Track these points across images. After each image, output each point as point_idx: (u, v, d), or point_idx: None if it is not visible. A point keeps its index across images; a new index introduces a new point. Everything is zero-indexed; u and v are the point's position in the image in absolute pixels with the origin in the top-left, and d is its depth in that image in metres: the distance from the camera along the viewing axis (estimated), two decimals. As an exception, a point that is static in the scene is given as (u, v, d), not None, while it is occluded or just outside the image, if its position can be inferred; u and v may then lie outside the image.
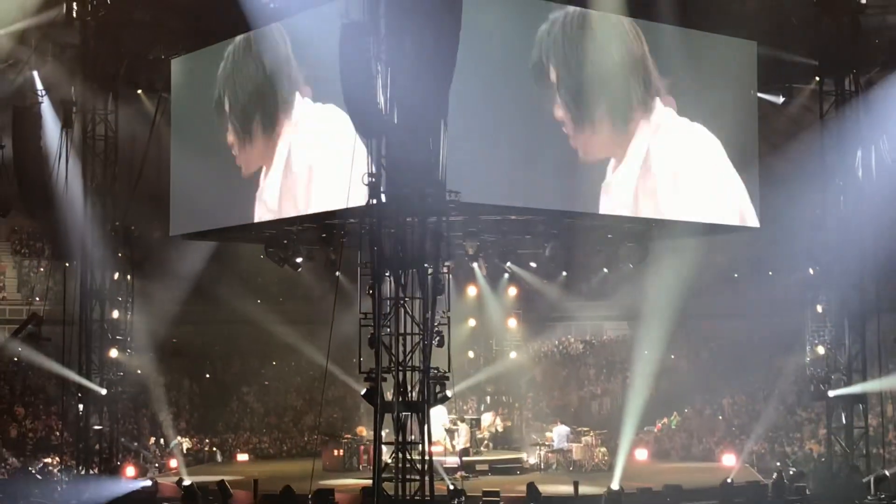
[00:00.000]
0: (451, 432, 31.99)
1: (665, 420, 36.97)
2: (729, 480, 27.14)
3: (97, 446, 29.84)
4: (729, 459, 32.91)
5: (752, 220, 30.26)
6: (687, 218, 29.05)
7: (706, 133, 28.44)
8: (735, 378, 39.30)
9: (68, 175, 29.97)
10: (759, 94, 30.45)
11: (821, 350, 29.39)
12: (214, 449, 36.71)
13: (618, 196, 27.09)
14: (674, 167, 27.94)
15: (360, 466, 31.44)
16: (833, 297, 28.92)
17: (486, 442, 34.88)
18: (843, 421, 28.54)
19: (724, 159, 28.77)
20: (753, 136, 29.93)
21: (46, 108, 30.89)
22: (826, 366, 28.88)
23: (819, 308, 29.25)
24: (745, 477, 29.68)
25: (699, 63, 28.23)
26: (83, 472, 28.97)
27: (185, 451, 32.86)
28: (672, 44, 27.68)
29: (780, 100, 31.21)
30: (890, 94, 28.99)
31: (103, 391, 29.58)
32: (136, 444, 34.37)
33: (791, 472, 28.54)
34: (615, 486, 25.69)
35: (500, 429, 35.90)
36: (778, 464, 30.53)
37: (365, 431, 33.00)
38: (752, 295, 41.30)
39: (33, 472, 30.25)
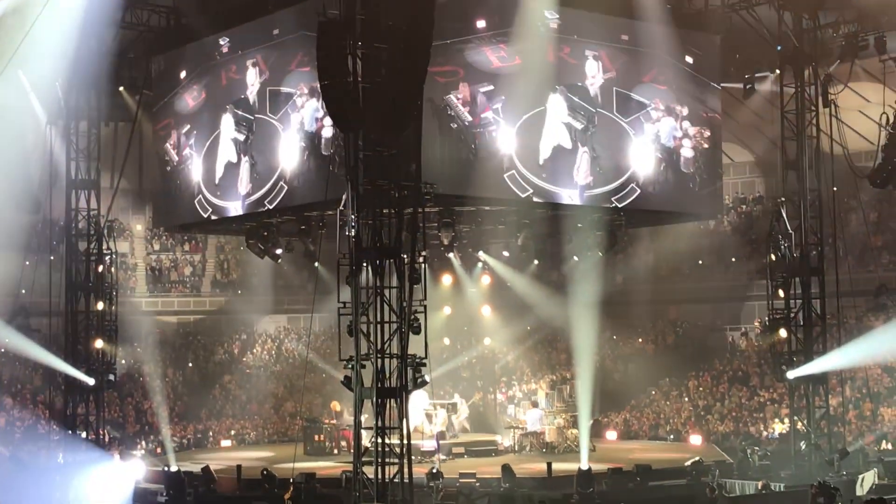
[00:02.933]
0: (430, 417, 32.56)
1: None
2: (696, 460, 27.88)
3: (84, 434, 30.42)
4: (695, 439, 33.79)
5: (716, 209, 31.19)
6: (654, 207, 29.92)
7: (673, 124, 29.37)
8: (700, 360, 40.17)
9: (54, 170, 30.57)
10: (724, 85, 31.38)
11: (783, 333, 30.16)
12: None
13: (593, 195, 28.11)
14: (643, 158, 28.93)
15: (337, 450, 31.89)
16: (794, 282, 29.61)
17: (462, 425, 35.56)
18: (805, 401, 29.41)
19: (691, 151, 29.73)
20: (717, 129, 30.83)
21: (33, 104, 31.32)
22: (787, 348, 29.62)
23: (780, 292, 30.00)
24: (712, 456, 30.48)
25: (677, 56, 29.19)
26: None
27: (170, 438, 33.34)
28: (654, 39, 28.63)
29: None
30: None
31: (91, 381, 30.13)
32: (120, 432, 34.89)
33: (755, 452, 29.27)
34: (584, 466, 26.41)
35: (466, 411, 36.30)
36: (742, 444, 31.30)
37: (338, 407, 33.56)
38: (716, 281, 42.28)
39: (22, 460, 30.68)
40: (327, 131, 26.30)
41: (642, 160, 28.92)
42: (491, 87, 26.69)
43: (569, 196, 27.81)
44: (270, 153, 28.39)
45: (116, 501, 24.97)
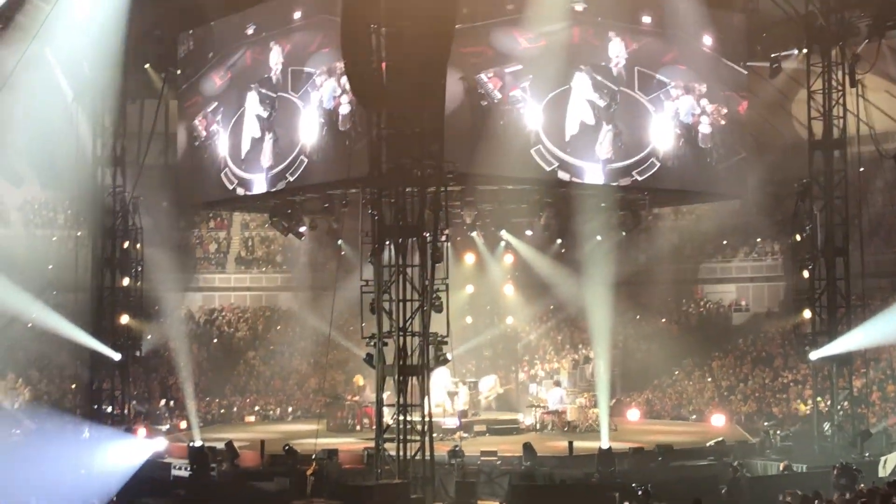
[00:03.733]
0: (452, 395, 32.68)
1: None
2: (718, 440, 27.88)
3: (109, 409, 30.71)
4: (718, 420, 33.78)
5: (742, 189, 31.09)
6: (678, 187, 29.90)
7: (698, 104, 29.35)
8: (724, 341, 40.11)
9: (80, 146, 30.74)
10: (750, 64, 31.26)
11: (807, 314, 30.09)
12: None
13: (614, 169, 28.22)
14: (669, 138, 28.97)
15: (359, 427, 32.06)
16: (819, 263, 29.52)
17: (489, 404, 35.70)
18: (829, 382, 29.36)
19: (714, 130, 29.68)
20: (743, 107, 30.73)
21: (60, 81, 31.48)
22: (812, 329, 29.56)
23: (805, 273, 29.91)
24: (735, 437, 30.49)
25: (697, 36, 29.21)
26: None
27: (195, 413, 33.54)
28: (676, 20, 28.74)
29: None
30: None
31: (117, 356, 30.37)
32: (146, 406, 35.20)
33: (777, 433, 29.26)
34: (605, 445, 26.45)
35: (500, 391, 36.63)
36: (765, 424, 31.29)
37: (361, 381, 33.72)
38: (741, 261, 42.20)
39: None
40: (344, 108, 26.73)
41: (662, 136, 29.15)
42: (519, 67, 27.03)
43: (592, 170, 27.92)
44: (292, 129, 28.86)
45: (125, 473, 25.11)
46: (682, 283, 43.14)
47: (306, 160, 28.20)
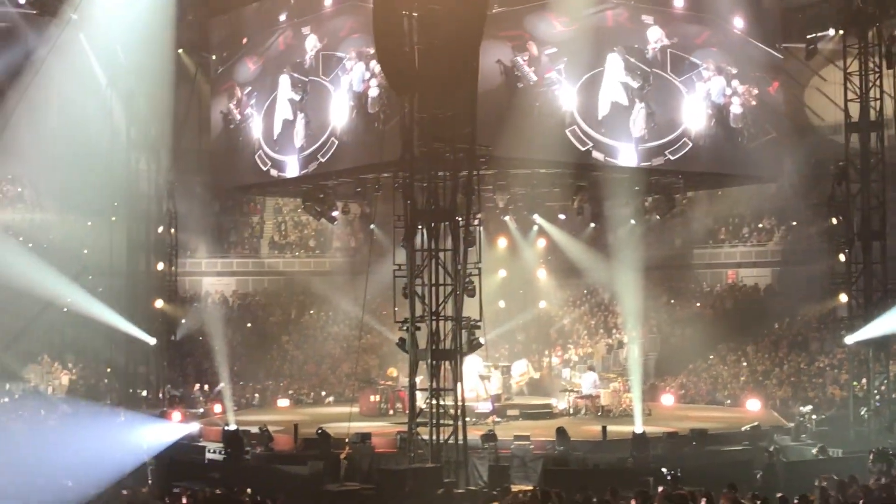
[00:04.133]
0: (484, 379, 32.64)
1: None
2: (754, 425, 27.70)
3: (144, 393, 30.93)
4: (753, 404, 33.58)
5: (777, 172, 30.87)
6: (715, 170, 29.74)
7: (735, 87, 29.20)
8: (759, 325, 39.85)
9: (114, 131, 30.95)
10: (786, 46, 31.02)
11: (843, 298, 29.83)
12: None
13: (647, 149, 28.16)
14: (704, 121, 28.87)
15: (392, 411, 32.11)
16: (855, 246, 29.27)
17: (521, 388, 35.63)
18: (865, 367, 29.13)
19: (751, 112, 29.50)
20: (778, 91, 30.51)
21: (94, 66, 31.69)
22: (848, 313, 29.32)
23: (841, 256, 29.66)
24: (770, 421, 30.30)
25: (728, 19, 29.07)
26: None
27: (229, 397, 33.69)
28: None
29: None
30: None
31: (153, 341, 30.59)
32: (180, 390, 35.40)
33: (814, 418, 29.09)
34: (638, 429, 26.34)
35: (535, 376, 36.59)
36: (801, 410, 31.09)
37: (395, 372, 33.77)
38: (777, 244, 41.89)
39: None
40: (373, 91, 27.30)
41: (694, 116, 29.33)
42: (554, 50, 27.30)
43: (625, 150, 27.89)
44: (322, 111, 29.32)
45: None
46: (716, 266, 42.88)
47: (337, 142, 28.50)
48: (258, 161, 31.37)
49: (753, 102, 29.85)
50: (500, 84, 26.37)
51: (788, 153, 32.22)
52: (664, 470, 21.05)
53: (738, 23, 29.79)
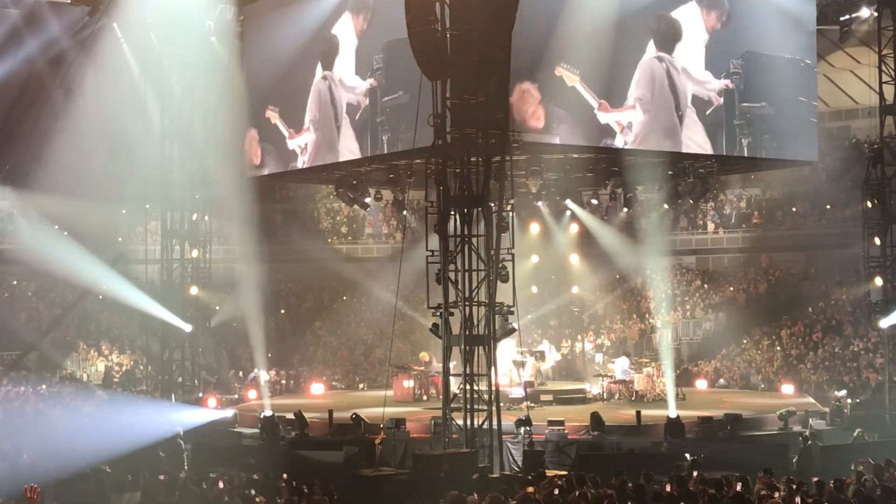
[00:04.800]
0: (518, 364, 32.63)
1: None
2: (788, 409, 27.59)
3: (179, 379, 31.17)
4: (788, 389, 33.46)
5: (811, 155, 30.63)
6: (748, 153, 29.50)
7: (770, 70, 28.89)
8: (793, 309, 39.68)
9: (148, 119, 31.11)
10: (819, 28, 30.72)
11: (878, 281, 29.65)
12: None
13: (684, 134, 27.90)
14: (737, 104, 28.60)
15: (426, 397, 32.18)
16: (890, 229, 29.08)
17: (548, 373, 35.55)
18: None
19: (786, 96, 29.21)
20: (812, 73, 30.24)
21: (126, 54, 31.86)
22: (883, 296, 29.16)
23: (876, 240, 29.45)
24: (805, 406, 30.18)
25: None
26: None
27: (264, 383, 33.89)
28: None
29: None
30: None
31: (188, 328, 30.79)
32: (216, 377, 35.65)
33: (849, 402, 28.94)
34: (672, 414, 26.30)
35: (557, 357, 36.34)
36: (836, 394, 30.94)
37: (427, 356, 33.85)
38: (811, 228, 41.66)
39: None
40: None
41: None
42: None
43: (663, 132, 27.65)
44: None
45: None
46: (750, 251, 42.72)
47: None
48: (292, 145, 31.39)
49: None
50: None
51: (822, 136, 31.98)
52: (687, 455, 21.09)
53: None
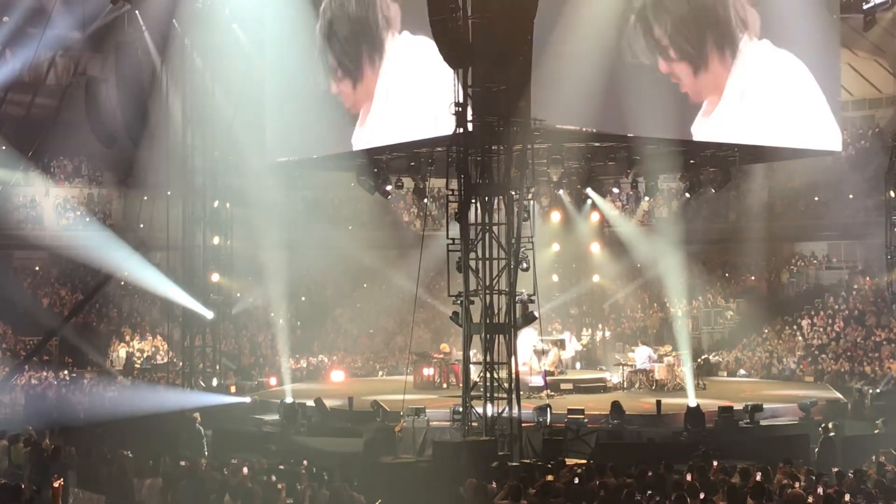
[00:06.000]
0: (539, 353, 32.61)
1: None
2: (810, 399, 27.49)
3: (200, 365, 31.28)
4: (808, 378, 33.32)
5: (835, 144, 30.43)
6: (771, 143, 29.33)
7: (793, 59, 28.66)
8: (815, 299, 39.52)
9: (169, 107, 31.17)
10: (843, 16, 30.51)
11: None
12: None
13: (706, 122, 27.69)
14: (762, 94, 28.35)
15: (446, 385, 32.17)
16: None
17: (568, 363, 35.50)
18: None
19: (809, 84, 29.00)
20: (836, 62, 30.03)
21: (147, 42, 31.91)
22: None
23: (899, 230, 29.36)
24: (826, 396, 30.05)
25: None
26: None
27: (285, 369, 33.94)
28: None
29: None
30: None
31: (210, 314, 30.88)
32: (236, 363, 35.74)
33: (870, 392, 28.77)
34: (692, 403, 26.22)
35: (578, 347, 36.32)
36: (857, 385, 30.79)
37: (447, 348, 33.86)
38: (833, 217, 41.45)
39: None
40: None
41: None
42: None
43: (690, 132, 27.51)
44: None
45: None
46: (772, 240, 42.53)
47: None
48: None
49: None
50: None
51: (845, 125, 31.77)
52: (701, 447, 21.08)
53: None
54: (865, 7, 30.73)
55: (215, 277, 31.50)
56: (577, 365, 35.81)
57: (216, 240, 31.63)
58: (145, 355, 36.76)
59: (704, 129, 27.76)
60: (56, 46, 37.31)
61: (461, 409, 23.65)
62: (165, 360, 35.65)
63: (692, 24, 27.23)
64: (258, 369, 36.24)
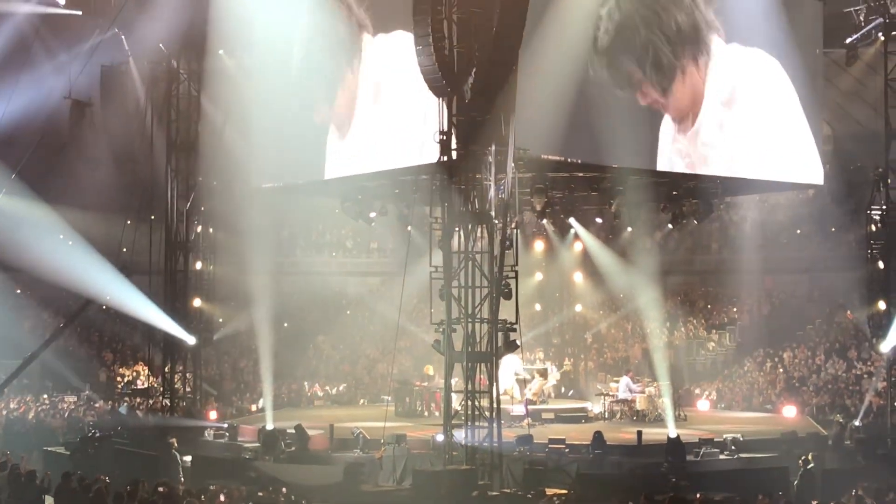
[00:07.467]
0: (522, 382, 32.57)
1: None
2: (790, 432, 27.50)
3: (181, 391, 31.14)
4: (789, 411, 33.38)
5: (816, 178, 30.60)
6: (754, 175, 29.46)
7: (776, 91, 28.80)
8: (796, 331, 39.66)
9: (153, 132, 31.18)
10: (825, 51, 30.71)
11: (881, 305, 29.62)
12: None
13: (686, 154, 27.75)
14: (743, 125, 28.46)
15: (426, 413, 32.08)
16: (894, 253, 29.09)
17: (550, 392, 35.50)
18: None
19: (791, 118, 29.16)
20: (818, 96, 30.21)
21: (132, 67, 31.97)
22: (885, 319, 29.13)
23: (880, 263, 29.43)
24: (806, 428, 30.11)
25: (768, 22, 28.59)
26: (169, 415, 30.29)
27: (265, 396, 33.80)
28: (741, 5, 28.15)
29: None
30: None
31: (192, 340, 30.78)
32: (217, 389, 35.61)
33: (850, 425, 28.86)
34: (672, 434, 26.23)
35: (557, 376, 36.25)
36: (838, 417, 30.88)
37: (431, 370, 33.81)
38: (815, 251, 41.63)
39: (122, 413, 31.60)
40: None
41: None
42: None
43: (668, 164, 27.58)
44: None
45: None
46: (754, 272, 42.65)
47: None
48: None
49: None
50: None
51: (827, 159, 31.96)
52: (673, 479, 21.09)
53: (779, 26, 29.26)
54: (847, 42, 30.98)
55: (197, 303, 31.40)
56: (563, 390, 35.83)
57: (199, 265, 31.57)
58: (126, 380, 36.60)
59: (686, 159, 27.85)
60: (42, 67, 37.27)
61: (442, 438, 23.59)
62: (146, 384, 35.48)
63: (665, 58, 27.33)
64: (239, 395, 36.09)
